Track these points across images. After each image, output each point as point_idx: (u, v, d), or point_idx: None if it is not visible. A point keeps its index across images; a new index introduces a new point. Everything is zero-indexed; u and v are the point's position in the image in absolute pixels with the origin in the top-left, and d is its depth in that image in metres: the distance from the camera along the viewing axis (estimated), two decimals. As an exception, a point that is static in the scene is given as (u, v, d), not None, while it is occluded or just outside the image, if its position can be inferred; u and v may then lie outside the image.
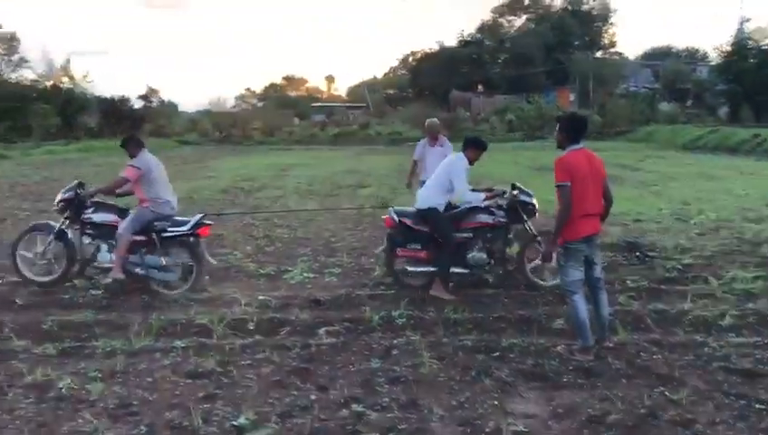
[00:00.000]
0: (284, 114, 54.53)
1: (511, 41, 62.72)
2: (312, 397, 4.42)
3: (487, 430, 3.98)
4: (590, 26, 64.00)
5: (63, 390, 4.53)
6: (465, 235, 6.93)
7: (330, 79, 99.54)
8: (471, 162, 6.92)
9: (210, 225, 7.26)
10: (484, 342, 5.44)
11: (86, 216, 7.15)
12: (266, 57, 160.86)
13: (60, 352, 5.29)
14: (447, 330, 5.71)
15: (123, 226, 6.93)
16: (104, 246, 7.08)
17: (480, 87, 55.42)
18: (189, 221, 7.03)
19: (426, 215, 6.87)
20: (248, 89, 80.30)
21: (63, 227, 7.23)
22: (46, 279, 7.29)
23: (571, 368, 4.88)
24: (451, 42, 65.19)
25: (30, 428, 4.02)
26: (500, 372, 4.81)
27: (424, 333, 5.64)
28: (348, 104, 64.59)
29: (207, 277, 7.47)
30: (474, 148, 6.96)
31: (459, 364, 4.97)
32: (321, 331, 5.71)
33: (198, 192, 15.63)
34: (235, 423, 4.01)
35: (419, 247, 6.93)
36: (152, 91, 51.53)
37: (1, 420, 4.13)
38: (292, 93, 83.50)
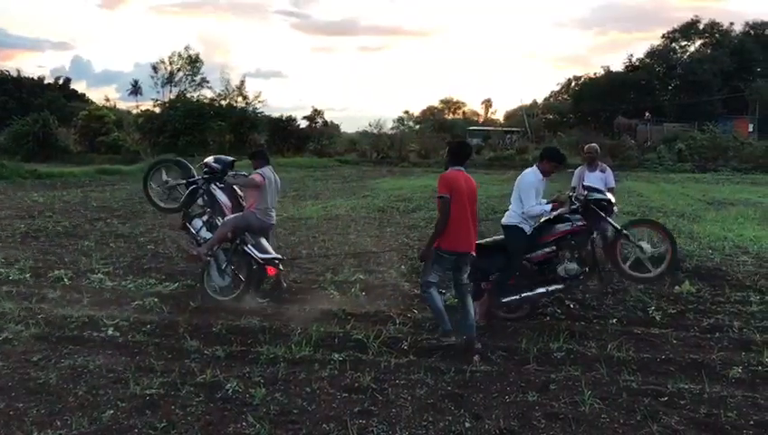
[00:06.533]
0: (441, 137, 55.03)
1: (684, 66, 59.21)
2: (467, 424, 4.34)
3: (655, 481, 3.69)
4: (775, 52, 58.89)
5: (230, 392, 4.79)
6: (547, 249, 6.63)
7: (487, 103, 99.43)
8: (546, 174, 6.65)
9: (278, 267, 7.53)
10: (650, 384, 5.07)
11: (213, 187, 7.99)
12: (426, 81, 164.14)
13: (227, 355, 5.61)
14: (610, 368, 5.37)
15: (230, 218, 7.61)
16: (203, 218, 7.90)
17: (647, 114, 52.72)
18: (269, 254, 7.41)
19: (505, 232, 6.68)
20: (407, 111, 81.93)
21: (198, 180, 8.10)
22: (165, 205, 8.60)
23: (751, 422, 4.43)
24: (617, 67, 62.86)
25: (199, 425, 4.28)
26: (669, 419, 4.46)
27: (584, 369, 5.36)
28: (505, 128, 63.91)
29: (364, 293, 7.65)
30: (548, 160, 6.66)
31: (623, 406, 4.66)
32: (476, 357, 5.60)
33: (356, 211, 16.09)
34: (389, 442, 4.02)
35: None
36: (317, 113, 53.96)
37: (175, 415, 4.43)
38: (450, 117, 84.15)
